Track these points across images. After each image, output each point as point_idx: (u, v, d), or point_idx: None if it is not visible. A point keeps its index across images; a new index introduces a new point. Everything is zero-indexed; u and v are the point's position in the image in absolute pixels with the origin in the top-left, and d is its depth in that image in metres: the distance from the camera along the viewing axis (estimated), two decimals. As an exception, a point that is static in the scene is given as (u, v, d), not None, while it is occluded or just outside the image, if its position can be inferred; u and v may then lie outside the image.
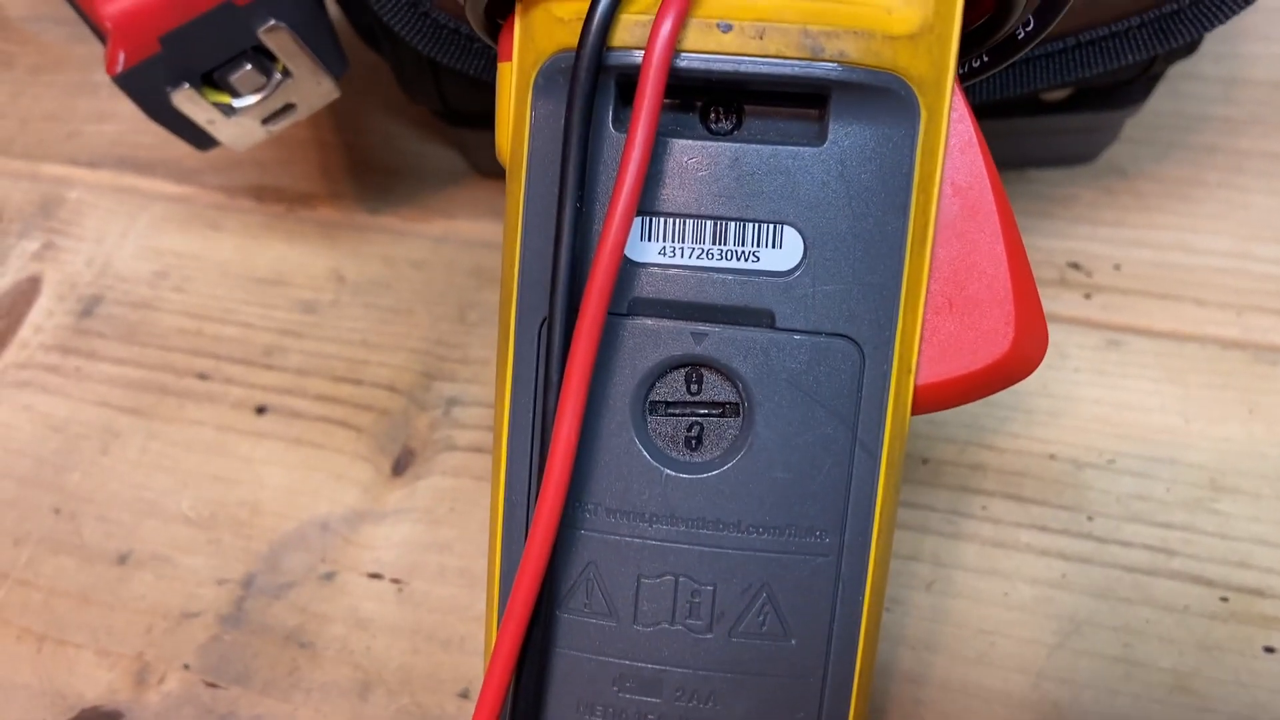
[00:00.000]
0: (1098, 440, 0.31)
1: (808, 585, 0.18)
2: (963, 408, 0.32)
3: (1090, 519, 0.29)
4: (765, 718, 0.18)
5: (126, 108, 0.32)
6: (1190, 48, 0.30)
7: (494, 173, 0.39)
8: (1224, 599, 0.28)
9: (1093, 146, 0.36)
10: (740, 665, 0.18)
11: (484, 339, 0.35)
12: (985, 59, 0.20)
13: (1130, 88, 0.32)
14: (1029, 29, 0.19)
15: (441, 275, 0.36)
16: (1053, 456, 0.30)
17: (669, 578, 0.18)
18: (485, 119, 0.32)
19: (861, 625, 0.19)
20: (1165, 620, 0.27)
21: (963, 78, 0.20)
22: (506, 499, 0.19)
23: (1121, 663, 0.27)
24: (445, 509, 0.31)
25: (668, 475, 0.18)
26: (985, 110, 0.30)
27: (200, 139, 0.31)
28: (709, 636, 0.18)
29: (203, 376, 0.34)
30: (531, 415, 0.19)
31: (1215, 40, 0.39)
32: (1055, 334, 0.33)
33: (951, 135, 0.18)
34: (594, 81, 0.17)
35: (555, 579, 0.18)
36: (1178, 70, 0.37)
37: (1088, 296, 0.34)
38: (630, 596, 0.18)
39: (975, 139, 0.19)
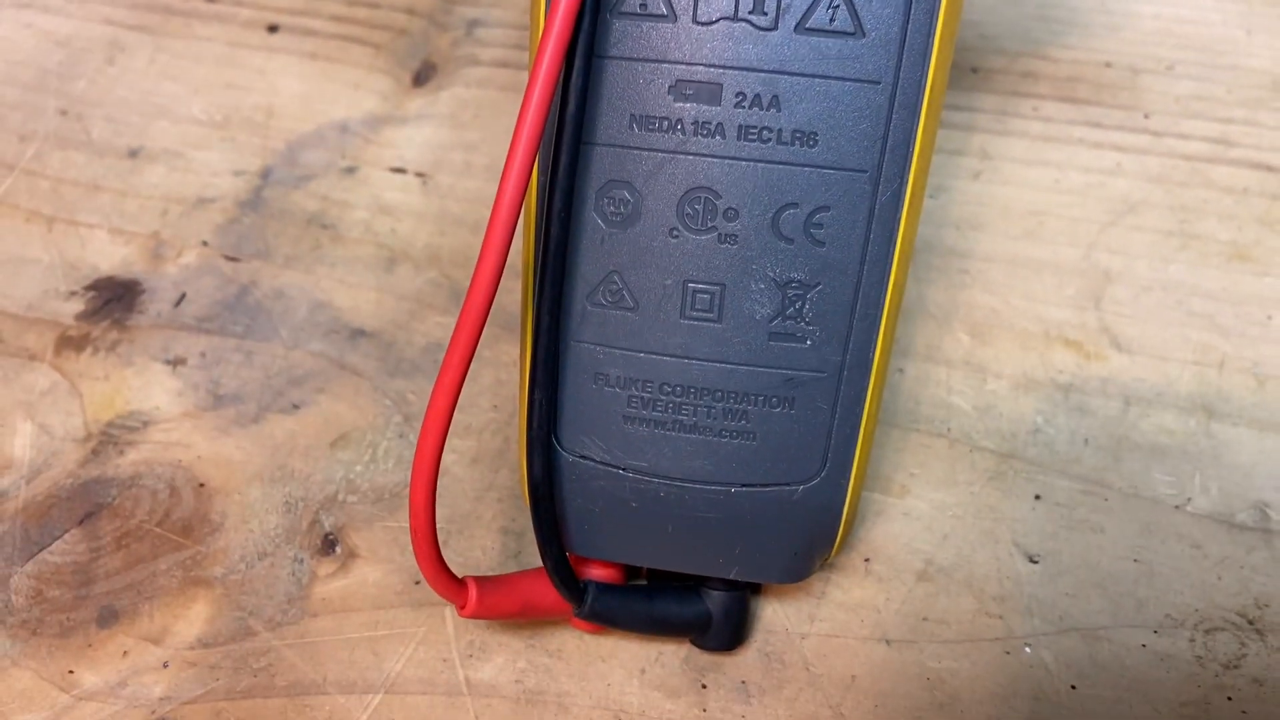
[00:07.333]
0: (1156, 49, 0.29)
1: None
2: (1014, 20, 0.30)
3: (1147, 116, 0.28)
4: (831, 123, 0.17)
5: None
6: None
7: None
8: (1284, 188, 0.26)
9: None
10: (806, 65, 0.17)
11: (508, -32, 0.33)
12: None
13: None
14: None
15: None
16: (1109, 64, 0.29)
17: None
18: None
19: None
20: (1224, 200, 0.26)
21: None
22: None
23: (1177, 236, 0.26)
24: (470, 115, 0.29)
25: None
26: None
27: None
28: (774, 32, 0.17)
29: None
30: None
31: None
32: (1113, -43, 0.31)
33: None
34: None
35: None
36: None
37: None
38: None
39: None
